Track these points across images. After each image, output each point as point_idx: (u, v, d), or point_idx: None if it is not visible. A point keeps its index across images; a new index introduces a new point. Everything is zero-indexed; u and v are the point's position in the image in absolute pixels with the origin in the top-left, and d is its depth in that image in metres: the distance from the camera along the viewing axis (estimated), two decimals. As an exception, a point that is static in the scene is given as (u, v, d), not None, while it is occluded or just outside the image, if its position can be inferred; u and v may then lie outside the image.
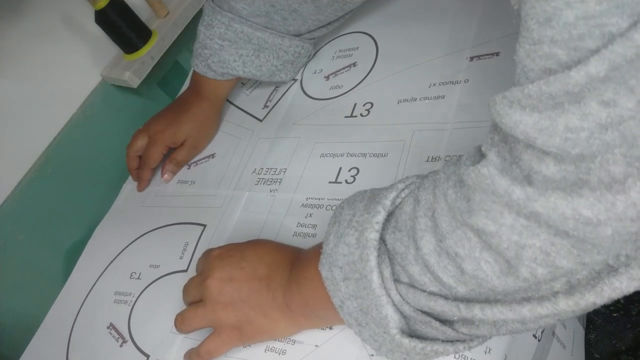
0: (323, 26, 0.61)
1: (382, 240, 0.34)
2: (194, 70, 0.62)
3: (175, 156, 0.63)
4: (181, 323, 0.44)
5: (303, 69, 0.66)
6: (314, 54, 0.66)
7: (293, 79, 0.65)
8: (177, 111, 0.63)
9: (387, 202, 0.33)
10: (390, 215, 0.34)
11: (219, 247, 0.46)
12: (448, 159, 0.46)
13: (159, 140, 0.62)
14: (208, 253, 0.46)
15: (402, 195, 0.34)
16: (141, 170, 0.64)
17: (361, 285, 0.33)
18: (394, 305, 0.32)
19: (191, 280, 0.46)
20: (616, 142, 0.21)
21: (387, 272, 0.32)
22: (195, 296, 0.44)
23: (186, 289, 0.46)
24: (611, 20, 0.20)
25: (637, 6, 0.20)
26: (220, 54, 0.58)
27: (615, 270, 0.25)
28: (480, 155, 0.29)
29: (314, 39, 0.62)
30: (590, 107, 0.21)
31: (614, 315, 0.62)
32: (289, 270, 0.41)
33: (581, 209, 0.23)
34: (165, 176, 0.63)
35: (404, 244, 0.32)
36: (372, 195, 0.36)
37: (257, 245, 0.45)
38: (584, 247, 0.24)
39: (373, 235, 0.33)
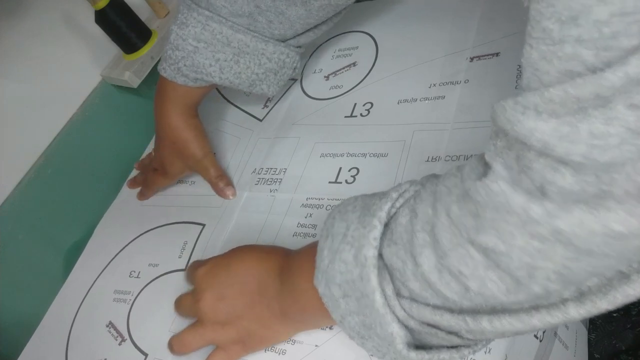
0: (310, 30, 0.55)
1: (379, 254, 0.32)
2: (160, 78, 0.55)
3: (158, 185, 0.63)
4: (181, 346, 0.43)
5: (302, 68, 0.65)
6: (313, 52, 0.66)
7: (279, 91, 0.59)
8: (167, 147, 0.57)
9: (383, 215, 0.32)
10: (385, 225, 0.33)
11: (204, 264, 0.44)
12: (448, 159, 0.46)
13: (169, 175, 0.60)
14: (194, 270, 0.45)
15: (397, 205, 0.33)
16: (146, 191, 0.65)
17: (363, 304, 0.32)
18: (399, 321, 0.31)
19: (184, 297, 0.46)
20: None
21: (389, 290, 0.31)
22: (190, 315, 0.44)
23: (180, 307, 0.46)
24: None
25: None
26: (194, 56, 0.51)
27: (627, 277, 0.24)
28: (484, 166, 0.28)
29: (300, 46, 0.56)
30: (616, 110, 0.20)
31: (614, 315, 0.62)
32: (279, 278, 0.40)
33: (611, 223, 0.21)
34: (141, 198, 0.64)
35: (400, 259, 0.31)
36: (365, 205, 0.34)
37: (242, 256, 0.43)
38: (604, 263, 0.23)
39: (372, 253, 0.31)
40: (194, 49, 0.50)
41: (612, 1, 0.19)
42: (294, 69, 0.56)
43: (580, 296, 0.25)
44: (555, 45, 0.21)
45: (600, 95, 0.20)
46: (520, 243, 0.24)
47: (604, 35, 0.20)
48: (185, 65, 0.51)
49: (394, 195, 0.33)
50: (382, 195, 0.34)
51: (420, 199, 0.31)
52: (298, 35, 0.54)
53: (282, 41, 0.53)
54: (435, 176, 0.33)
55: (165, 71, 0.53)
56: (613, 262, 0.23)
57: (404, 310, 0.31)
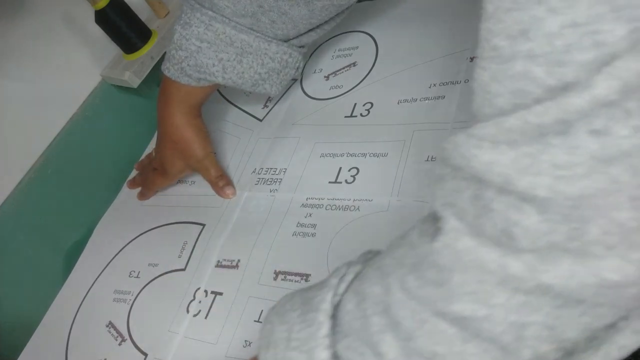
0: (313, 29, 0.55)
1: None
2: (164, 78, 0.55)
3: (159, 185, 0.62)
4: None
5: (302, 69, 0.65)
6: (313, 52, 0.66)
7: (281, 91, 0.60)
8: (169, 147, 0.57)
9: (327, 306, 0.28)
10: (331, 317, 0.29)
11: None
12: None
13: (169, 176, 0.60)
14: None
15: (340, 291, 0.30)
16: (146, 191, 0.65)
17: None
18: None
19: None
20: (624, 179, 0.18)
21: None
22: None
23: None
24: (605, 26, 0.17)
25: (636, 10, 0.17)
26: (197, 56, 0.50)
27: (614, 326, 0.22)
28: (433, 224, 0.25)
29: (303, 46, 0.56)
30: (578, 138, 0.18)
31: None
32: None
33: (605, 273, 0.19)
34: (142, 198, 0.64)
35: (357, 352, 0.27)
36: (304, 301, 0.30)
37: None
38: (597, 312, 0.21)
39: (325, 355, 0.27)
40: (197, 48, 0.50)
41: (562, 11, 0.18)
42: (297, 68, 0.55)
43: (567, 355, 0.23)
44: (506, 63, 0.20)
45: (565, 121, 0.18)
46: (501, 300, 0.21)
47: (556, 49, 0.18)
48: (188, 65, 0.51)
49: (334, 281, 0.30)
50: (321, 286, 0.30)
51: (365, 278, 0.28)
52: (301, 35, 0.54)
53: (285, 41, 0.53)
54: (375, 252, 0.31)
55: (169, 71, 0.53)
56: (605, 311, 0.21)
57: None
